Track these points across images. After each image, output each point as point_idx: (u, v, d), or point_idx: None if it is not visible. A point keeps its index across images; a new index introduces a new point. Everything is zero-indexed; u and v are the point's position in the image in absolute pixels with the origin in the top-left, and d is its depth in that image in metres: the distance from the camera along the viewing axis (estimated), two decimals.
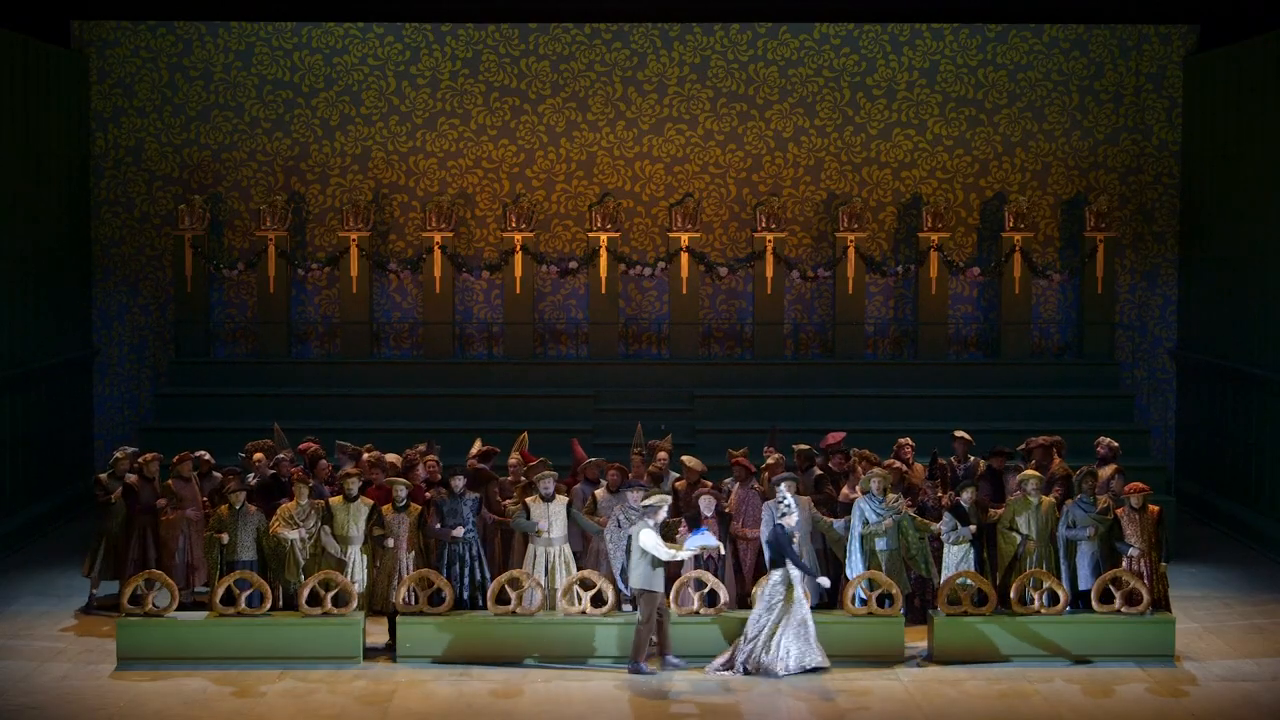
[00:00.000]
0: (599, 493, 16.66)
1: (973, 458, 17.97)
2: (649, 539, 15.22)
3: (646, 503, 15.65)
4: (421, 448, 17.57)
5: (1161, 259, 23.95)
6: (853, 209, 23.22)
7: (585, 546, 16.59)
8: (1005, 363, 23.23)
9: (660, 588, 15.38)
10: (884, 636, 15.68)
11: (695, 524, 16.08)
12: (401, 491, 16.15)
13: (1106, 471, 17.14)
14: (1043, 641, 15.65)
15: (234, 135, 23.68)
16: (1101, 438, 17.92)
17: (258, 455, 17.73)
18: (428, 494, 16.52)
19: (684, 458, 17.39)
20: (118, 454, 17.67)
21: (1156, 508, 16.44)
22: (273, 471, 17.32)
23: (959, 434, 18.14)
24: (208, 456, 17.77)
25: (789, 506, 15.45)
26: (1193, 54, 23.59)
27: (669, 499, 15.84)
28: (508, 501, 16.84)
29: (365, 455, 17.57)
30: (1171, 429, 23.86)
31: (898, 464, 17.02)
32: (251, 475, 17.27)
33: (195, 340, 23.26)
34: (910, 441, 17.82)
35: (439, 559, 16.10)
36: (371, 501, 16.22)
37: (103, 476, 17.58)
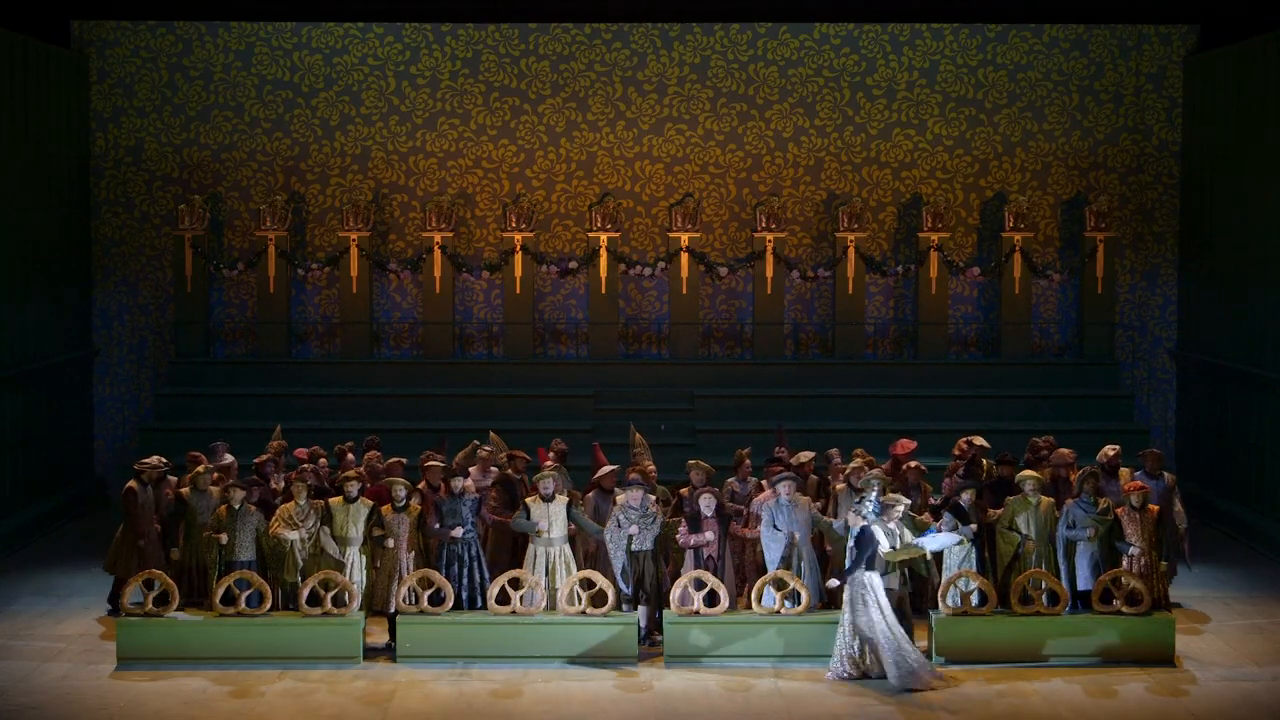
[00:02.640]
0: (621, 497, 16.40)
1: (986, 461, 17.83)
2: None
3: (886, 500, 15.55)
4: (430, 453, 17.68)
5: (1161, 259, 23.96)
6: (853, 209, 23.22)
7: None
8: (1005, 363, 23.23)
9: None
10: None
11: (695, 524, 16.09)
12: (401, 492, 16.15)
13: (1125, 474, 17.14)
14: (1043, 641, 15.64)
15: (234, 135, 23.69)
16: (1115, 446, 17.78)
17: (358, 453, 17.84)
18: (437, 493, 16.52)
19: (690, 461, 17.36)
20: (199, 467, 16.81)
21: (1156, 508, 16.45)
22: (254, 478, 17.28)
23: (977, 441, 18.01)
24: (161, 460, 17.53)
25: (873, 512, 15.39)
26: (1193, 54, 23.59)
27: (906, 500, 15.62)
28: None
29: (347, 455, 17.72)
30: (1171, 429, 23.86)
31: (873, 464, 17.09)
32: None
33: (195, 340, 23.26)
34: (978, 442, 17.80)
35: (439, 559, 16.10)
36: (371, 502, 16.22)
37: (184, 491, 16.67)
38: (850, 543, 15.22)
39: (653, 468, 17.52)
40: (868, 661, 15.06)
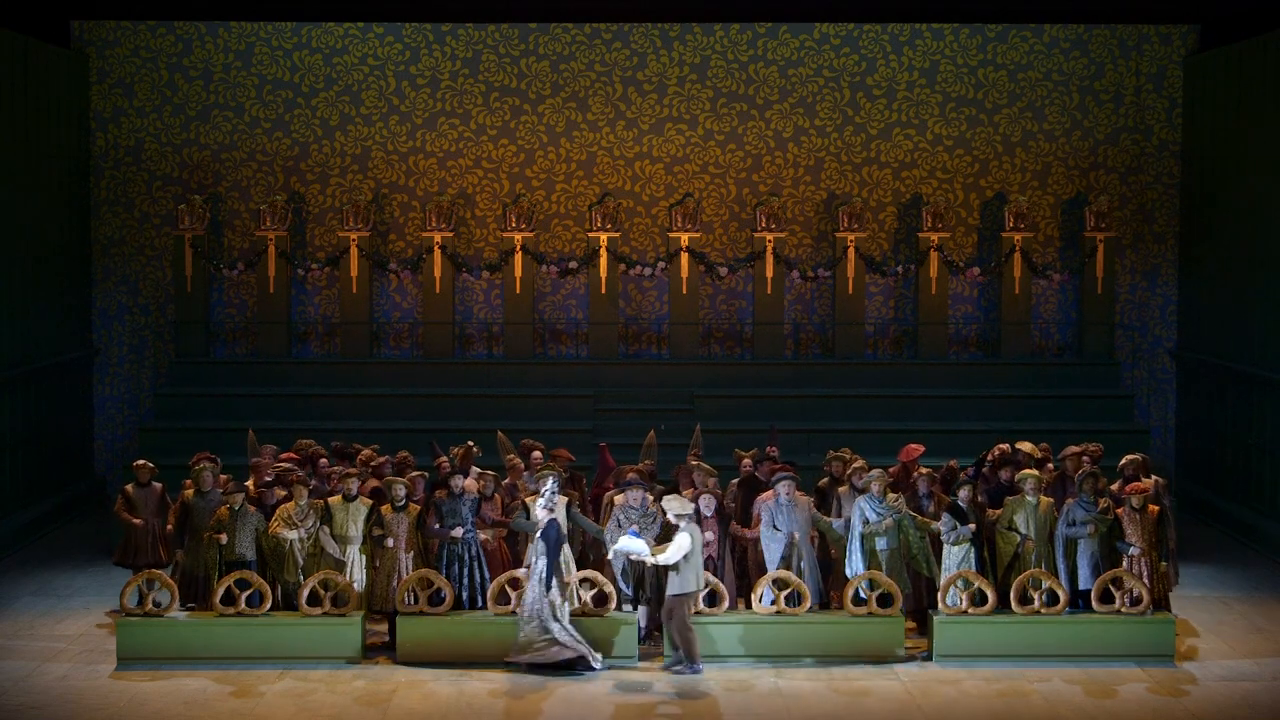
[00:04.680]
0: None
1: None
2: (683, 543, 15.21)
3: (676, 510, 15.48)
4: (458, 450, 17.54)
5: (1161, 259, 23.96)
6: (853, 209, 23.22)
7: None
8: (1005, 363, 23.22)
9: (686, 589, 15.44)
10: (884, 636, 15.69)
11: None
12: (400, 491, 16.15)
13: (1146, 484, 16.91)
14: (1043, 641, 15.64)
15: (234, 135, 23.69)
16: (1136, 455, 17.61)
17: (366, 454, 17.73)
18: (436, 492, 16.51)
19: (691, 461, 17.37)
20: (200, 466, 16.66)
21: (1156, 508, 16.45)
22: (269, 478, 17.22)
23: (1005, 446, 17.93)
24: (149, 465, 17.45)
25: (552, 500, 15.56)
26: (1193, 54, 23.59)
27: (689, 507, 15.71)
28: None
29: (361, 454, 17.65)
30: (1171, 429, 23.86)
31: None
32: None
33: (195, 340, 23.25)
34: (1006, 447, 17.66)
35: (438, 559, 16.10)
36: (370, 502, 16.23)
37: (187, 496, 16.61)
38: (539, 535, 15.36)
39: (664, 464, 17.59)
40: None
